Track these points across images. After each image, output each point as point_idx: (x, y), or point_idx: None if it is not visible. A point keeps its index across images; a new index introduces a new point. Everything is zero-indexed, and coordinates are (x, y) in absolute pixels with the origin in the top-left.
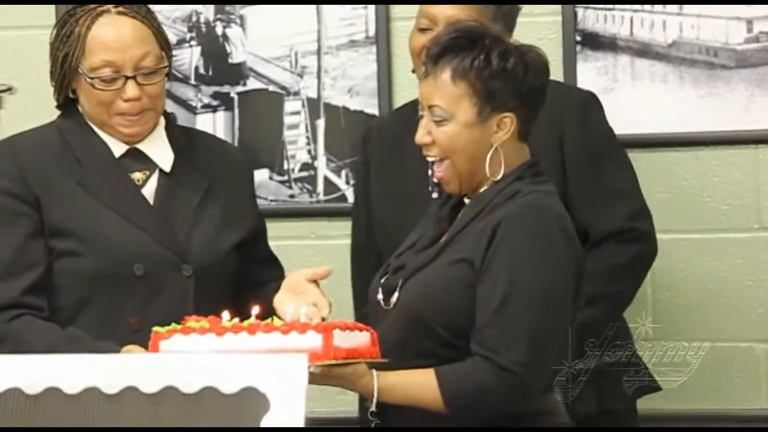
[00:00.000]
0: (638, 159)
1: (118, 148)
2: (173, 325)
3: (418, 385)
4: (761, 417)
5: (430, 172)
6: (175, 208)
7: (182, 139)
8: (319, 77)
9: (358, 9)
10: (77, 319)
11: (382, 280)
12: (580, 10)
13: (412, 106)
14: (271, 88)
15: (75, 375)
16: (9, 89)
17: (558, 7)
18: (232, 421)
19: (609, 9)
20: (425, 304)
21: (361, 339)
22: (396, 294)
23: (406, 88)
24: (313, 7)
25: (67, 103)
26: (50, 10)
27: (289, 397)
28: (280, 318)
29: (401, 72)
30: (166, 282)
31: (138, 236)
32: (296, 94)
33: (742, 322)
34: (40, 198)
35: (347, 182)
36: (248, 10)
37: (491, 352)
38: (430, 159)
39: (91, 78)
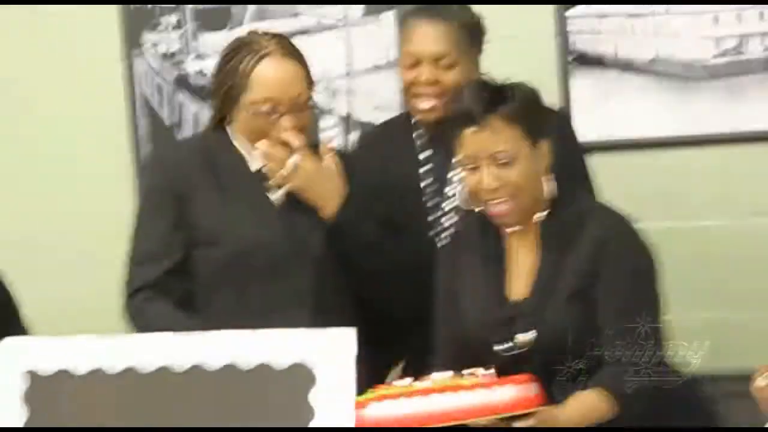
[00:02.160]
0: (624, 157)
1: (255, 164)
2: (367, 393)
3: (591, 407)
4: None
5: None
6: (297, 209)
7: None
8: (349, 97)
9: (381, 38)
10: (212, 303)
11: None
12: (573, 34)
13: (401, 118)
14: None
15: (149, 355)
16: None
17: (551, 28)
18: (282, 396)
19: (597, 33)
20: (564, 342)
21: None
22: (520, 338)
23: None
24: (343, 37)
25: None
26: None
27: (338, 371)
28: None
29: None
30: (288, 272)
31: (264, 232)
32: (330, 112)
33: None
34: (182, 197)
35: None
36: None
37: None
38: (492, 200)
39: (252, 110)
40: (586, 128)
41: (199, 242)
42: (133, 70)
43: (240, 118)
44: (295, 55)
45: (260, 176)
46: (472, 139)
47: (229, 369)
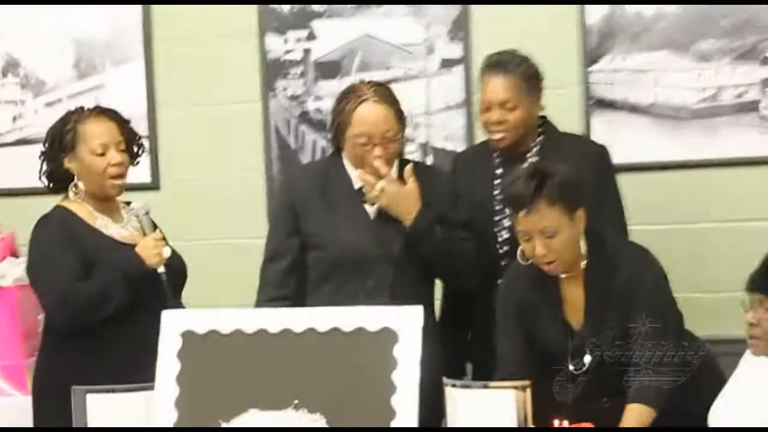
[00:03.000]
0: (629, 179)
1: (357, 183)
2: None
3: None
4: None
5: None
6: (388, 220)
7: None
8: (427, 129)
9: (452, 85)
10: (316, 294)
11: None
12: (593, 84)
13: (483, 144)
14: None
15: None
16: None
17: (578, 79)
18: (374, 351)
19: (610, 84)
20: (612, 363)
21: None
22: (587, 359)
23: (482, 135)
24: (424, 84)
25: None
26: None
27: (412, 334)
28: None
29: (478, 124)
30: (374, 270)
31: (359, 238)
32: (412, 141)
33: None
34: (298, 209)
35: None
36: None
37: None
38: (543, 262)
39: (353, 142)
40: None
41: (310, 246)
42: (269, 108)
43: (347, 147)
44: (388, 99)
45: (361, 193)
46: (524, 220)
47: (336, 331)
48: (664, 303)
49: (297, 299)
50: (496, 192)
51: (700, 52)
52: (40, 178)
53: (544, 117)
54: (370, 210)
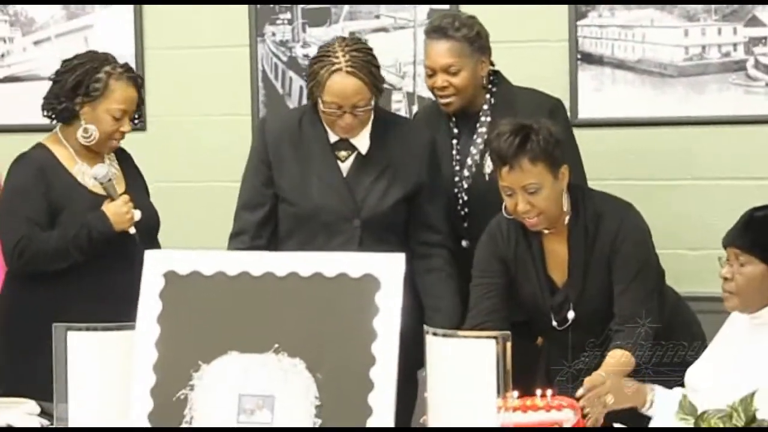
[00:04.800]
0: (615, 134)
1: (334, 137)
2: None
3: (625, 364)
4: None
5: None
6: (361, 179)
7: (380, 127)
8: (414, 78)
9: None
10: (285, 244)
11: (553, 312)
12: (581, 39)
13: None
14: (384, 85)
15: (259, 264)
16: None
17: (566, 34)
18: (355, 299)
19: (598, 38)
20: (596, 317)
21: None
22: (571, 315)
23: None
24: (411, 33)
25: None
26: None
27: (395, 282)
28: None
29: None
30: (341, 228)
31: (327, 196)
32: (399, 89)
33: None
34: (272, 162)
35: None
36: (370, 36)
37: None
38: (526, 218)
39: (323, 108)
40: (588, 110)
41: (281, 199)
42: (257, 52)
43: (320, 106)
44: (363, 70)
45: (335, 147)
46: (507, 176)
47: (318, 276)
48: (646, 259)
49: (269, 250)
50: (453, 152)
51: (687, 10)
52: (43, 105)
53: (497, 71)
54: (344, 166)
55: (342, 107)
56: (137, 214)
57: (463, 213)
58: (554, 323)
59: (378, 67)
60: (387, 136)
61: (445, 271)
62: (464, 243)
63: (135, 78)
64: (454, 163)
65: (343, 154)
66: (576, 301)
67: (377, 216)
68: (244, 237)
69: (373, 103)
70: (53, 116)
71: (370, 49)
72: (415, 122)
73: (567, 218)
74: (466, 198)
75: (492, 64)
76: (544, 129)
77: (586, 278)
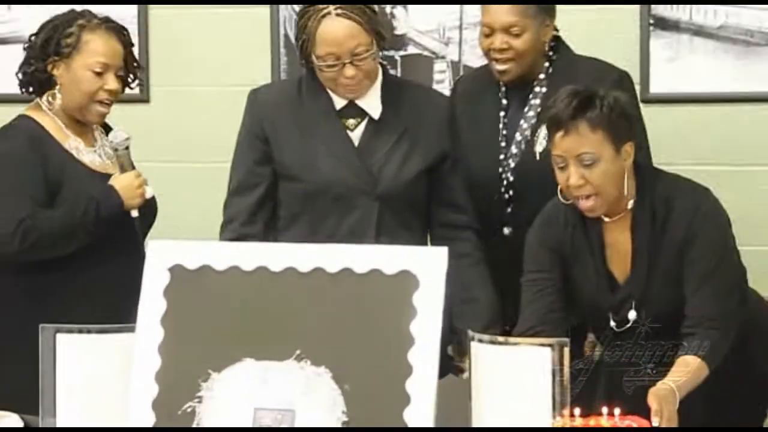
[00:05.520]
0: (691, 111)
1: (339, 102)
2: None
3: (696, 376)
4: None
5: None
6: (375, 147)
7: (393, 91)
8: (460, 45)
9: None
10: (290, 229)
11: (612, 312)
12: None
13: (485, 69)
14: (425, 53)
15: (280, 257)
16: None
17: None
18: (390, 300)
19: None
20: (672, 316)
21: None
22: (632, 315)
23: None
24: None
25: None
26: None
27: (436, 280)
28: None
29: None
30: (356, 204)
31: (339, 169)
32: (443, 57)
33: None
34: (269, 136)
35: None
36: None
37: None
38: (579, 196)
39: (319, 63)
40: (660, 83)
41: (282, 178)
42: (279, 14)
43: (317, 71)
44: (354, 10)
45: (342, 114)
46: (561, 142)
47: (347, 272)
48: (726, 252)
49: (264, 239)
50: (501, 126)
51: None
52: (16, 75)
53: (558, 37)
54: (354, 135)
55: (340, 57)
56: (149, 191)
57: (507, 196)
58: (612, 323)
59: (374, 10)
60: (401, 100)
61: (474, 256)
62: (506, 231)
63: (116, 28)
64: (500, 138)
65: (351, 122)
66: (640, 299)
67: (397, 189)
68: (233, 224)
69: (375, 49)
70: (28, 85)
71: None
72: (435, 92)
73: (631, 202)
74: (511, 179)
75: (555, 29)
76: (610, 96)
77: (651, 272)
